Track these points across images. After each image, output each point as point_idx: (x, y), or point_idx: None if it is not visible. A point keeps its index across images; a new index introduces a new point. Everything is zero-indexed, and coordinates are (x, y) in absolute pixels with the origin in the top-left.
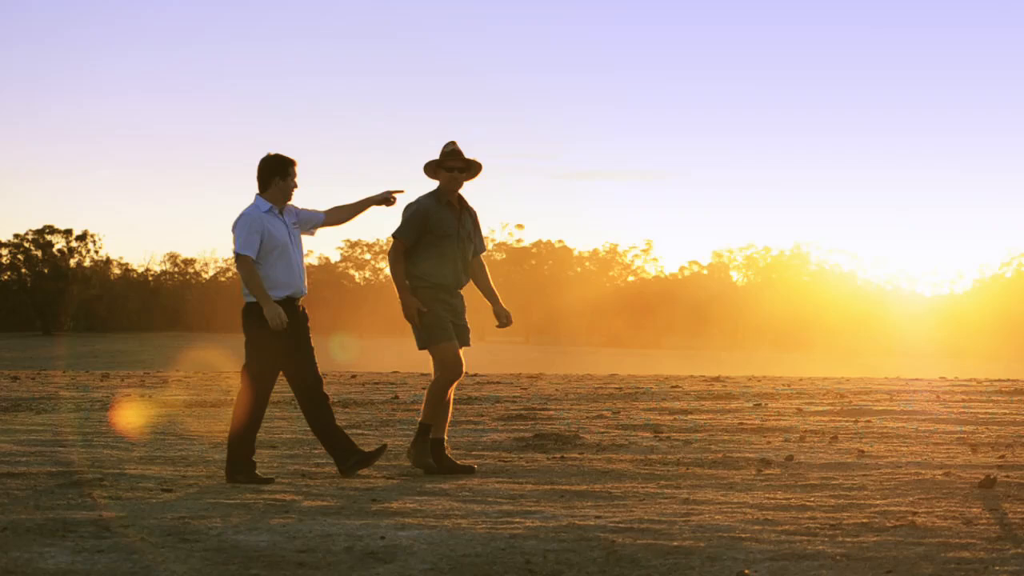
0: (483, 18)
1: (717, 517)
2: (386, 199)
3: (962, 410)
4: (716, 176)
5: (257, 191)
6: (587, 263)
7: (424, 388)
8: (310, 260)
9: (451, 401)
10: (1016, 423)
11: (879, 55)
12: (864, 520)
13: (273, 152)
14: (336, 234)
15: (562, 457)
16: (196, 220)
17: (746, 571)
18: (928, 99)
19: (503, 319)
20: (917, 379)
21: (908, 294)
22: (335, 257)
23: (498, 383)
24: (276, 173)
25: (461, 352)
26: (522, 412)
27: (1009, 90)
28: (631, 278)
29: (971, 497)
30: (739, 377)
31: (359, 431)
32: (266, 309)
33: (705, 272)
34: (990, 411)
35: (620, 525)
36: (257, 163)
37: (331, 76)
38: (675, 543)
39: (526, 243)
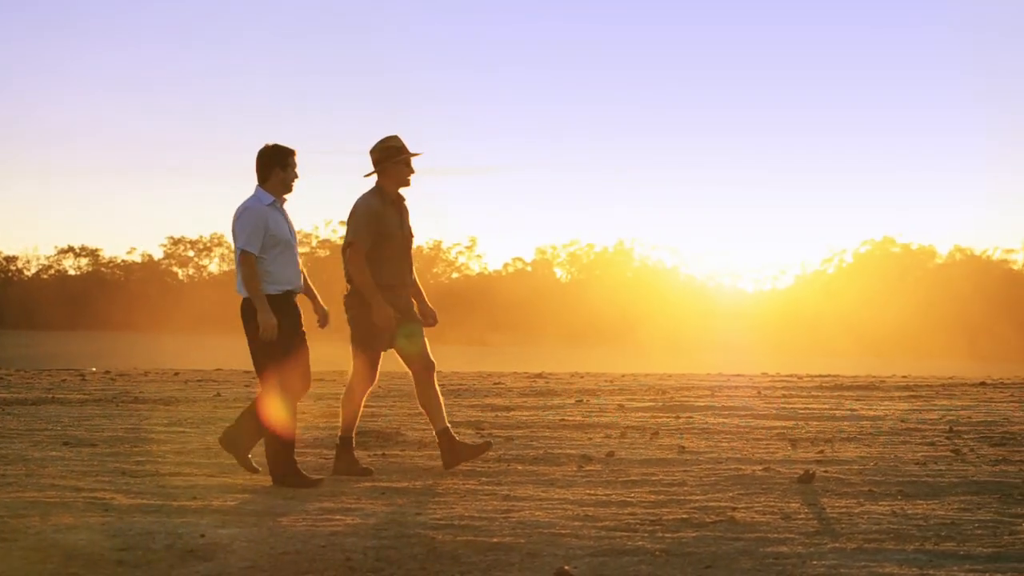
0: (302, 15)
1: (537, 513)
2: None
3: (782, 405)
4: (540, 173)
5: (257, 183)
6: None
7: (249, 386)
8: (134, 257)
9: (439, 391)
10: (836, 418)
11: (699, 55)
12: (684, 516)
13: (271, 142)
14: (160, 230)
15: (383, 454)
16: (15, 217)
17: (566, 567)
18: (749, 97)
19: (430, 318)
20: (739, 375)
21: (731, 290)
22: (158, 254)
23: (322, 380)
24: (277, 164)
25: (428, 345)
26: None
27: (828, 89)
28: (455, 275)
29: (790, 492)
30: (562, 373)
31: (180, 428)
32: (261, 315)
33: (529, 269)
34: (810, 407)
35: (440, 522)
36: (256, 153)
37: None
38: (495, 540)
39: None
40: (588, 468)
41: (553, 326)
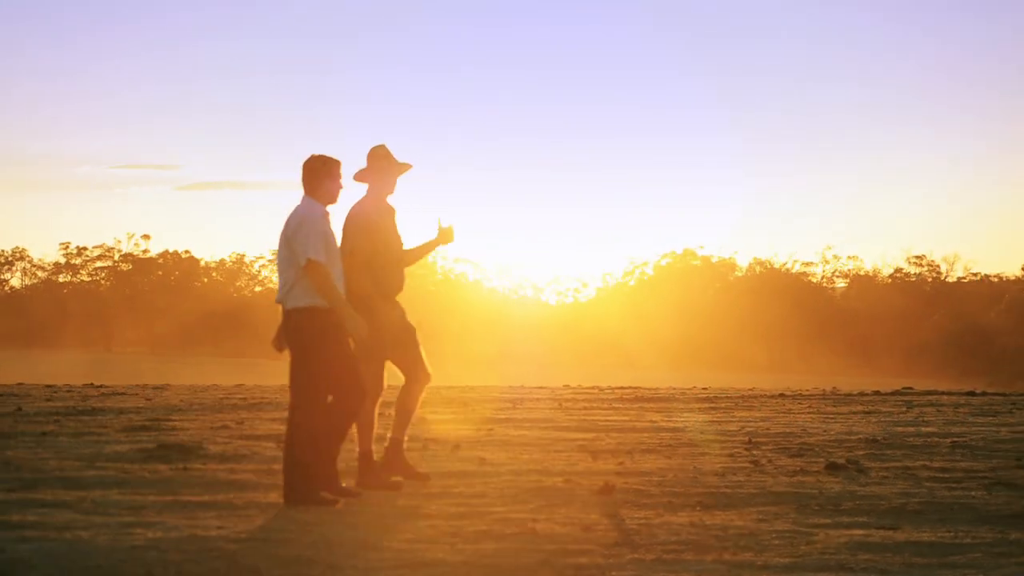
0: (93, 23)
1: (339, 526)
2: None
3: (584, 417)
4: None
5: (304, 193)
6: (214, 273)
7: (51, 400)
8: None
9: (417, 405)
10: (636, 430)
11: (487, 55)
12: (484, 527)
13: (318, 153)
14: None
15: (185, 468)
16: None
17: None
18: (543, 107)
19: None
20: (541, 387)
21: (533, 303)
22: None
23: (123, 394)
24: (326, 175)
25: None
26: (146, 423)
27: (622, 94)
28: (259, 288)
29: (590, 504)
30: None
31: None
32: (350, 321)
33: None
34: (611, 418)
35: (242, 535)
36: (303, 164)
37: None
38: (296, 553)
39: (152, 254)
40: (389, 481)
41: None
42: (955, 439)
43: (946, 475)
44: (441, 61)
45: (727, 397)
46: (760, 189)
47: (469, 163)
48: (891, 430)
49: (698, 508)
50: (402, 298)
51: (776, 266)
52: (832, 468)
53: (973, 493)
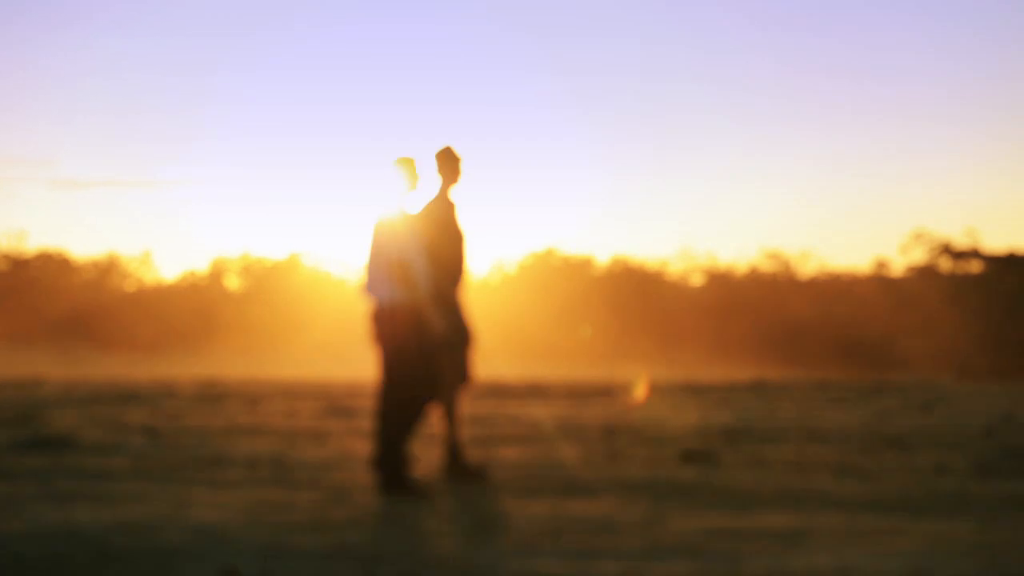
0: None
1: (208, 515)
2: None
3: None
4: (213, 186)
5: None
6: (87, 271)
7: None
8: None
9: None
10: (497, 421)
11: (361, 55)
12: (350, 515)
13: (404, 154)
14: None
15: (58, 459)
16: None
17: (234, 566)
18: (394, 107)
19: None
20: None
21: None
22: None
23: (0, 387)
24: (416, 176)
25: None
26: (19, 416)
27: (469, 94)
28: (131, 288)
29: (452, 493)
30: (235, 380)
31: None
32: (435, 319)
33: (203, 280)
34: (474, 411)
35: (112, 524)
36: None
37: None
38: (166, 541)
39: (26, 250)
40: (257, 471)
41: (226, 335)
42: (807, 427)
43: (798, 462)
44: (311, 63)
45: (587, 389)
46: (618, 187)
47: (342, 163)
48: (745, 420)
49: (556, 496)
50: (253, 295)
51: (633, 264)
52: (687, 457)
53: (823, 480)
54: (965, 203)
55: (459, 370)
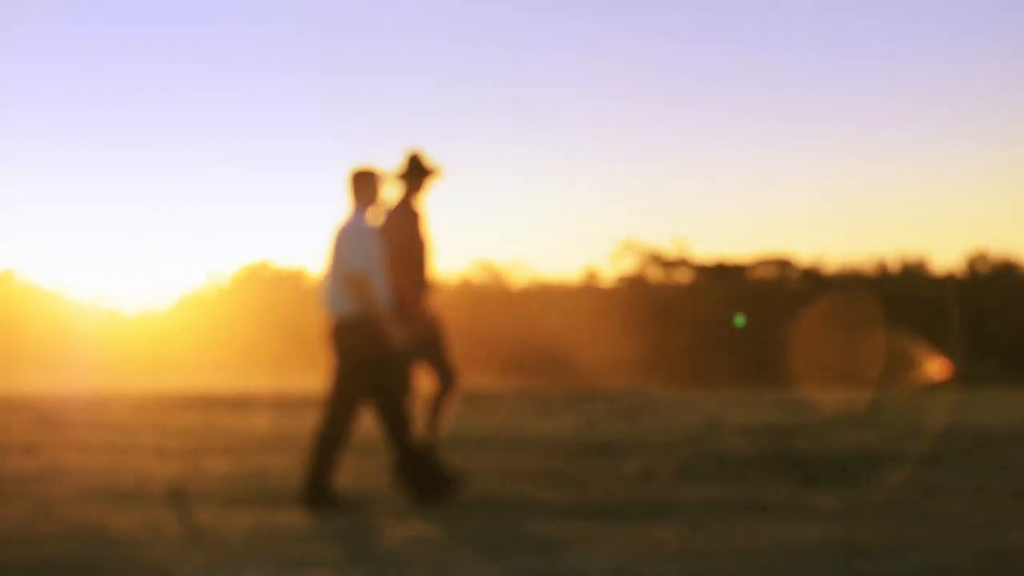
0: None
1: None
2: None
3: (158, 421)
4: None
5: (352, 205)
6: None
7: None
8: None
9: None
10: (206, 432)
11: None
12: (56, 528)
13: (364, 165)
14: None
15: None
16: None
17: None
18: (172, 104)
19: None
20: (119, 394)
21: (113, 312)
22: None
23: None
24: (374, 188)
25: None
26: None
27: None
28: None
29: (161, 504)
30: None
31: None
32: (389, 330)
33: None
34: (184, 422)
35: None
36: (350, 176)
37: None
38: None
39: None
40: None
41: None
42: (514, 436)
43: (505, 471)
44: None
45: (298, 400)
46: (328, 197)
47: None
48: (453, 429)
49: (263, 507)
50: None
51: None
52: (397, 467)
53: (530, 487)
54: (674, 212)
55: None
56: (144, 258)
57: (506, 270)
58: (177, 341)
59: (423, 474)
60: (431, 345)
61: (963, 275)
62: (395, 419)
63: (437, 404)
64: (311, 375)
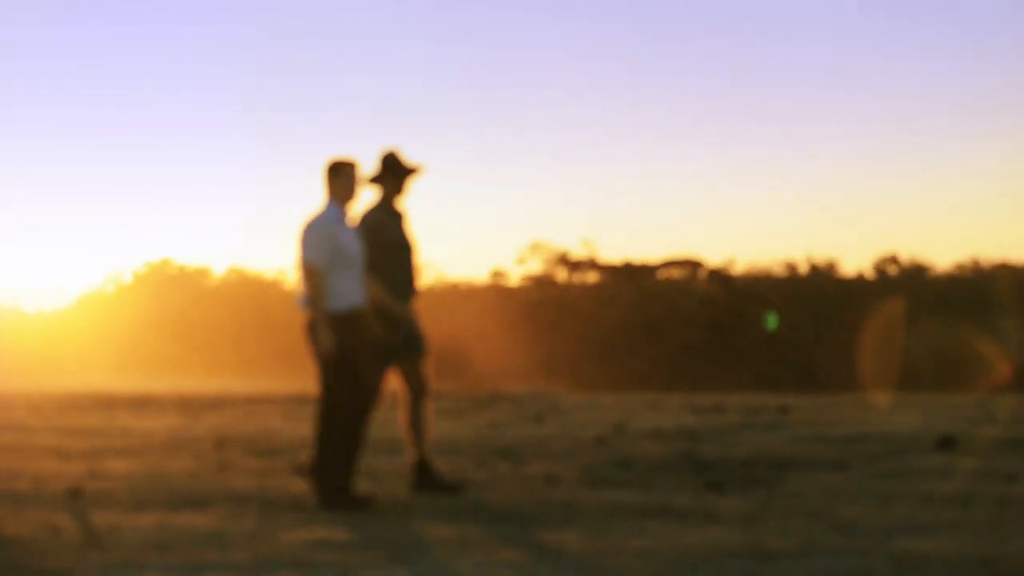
0: None
1: None
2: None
3: (56, 422)
4: None
5: (326, 198)
6: None
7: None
8: None
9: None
10: (108, 433)
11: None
12: None
13: (341, 157)
14: None
15: None
16: None
17: None
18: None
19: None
20: (17, 393)
21: (11, 311)
22: None
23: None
24: (350, 181)
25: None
26: None
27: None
28: None
29: (59, 506)
30: None
31: None
32: (321, 332)
33: None
34: (83, 423)
35: None
36: (325, 168)
37: None
38: None
39: None
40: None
41: None
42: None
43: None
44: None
45: (198, 400)
46: (233, 196)
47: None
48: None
49: (165, 509)
50: None
51: (249, 274)
52: (298, 470)
53: (433, 495)
54: (582, 214)
55: (416, 381)
56: (45, 256)
57: None
58: (77, 340)
59: (334, 485)
60: (409, 350)
61: (872, 278)
62: (329, 423)
63: (414, 417)
64: (214, 375)
